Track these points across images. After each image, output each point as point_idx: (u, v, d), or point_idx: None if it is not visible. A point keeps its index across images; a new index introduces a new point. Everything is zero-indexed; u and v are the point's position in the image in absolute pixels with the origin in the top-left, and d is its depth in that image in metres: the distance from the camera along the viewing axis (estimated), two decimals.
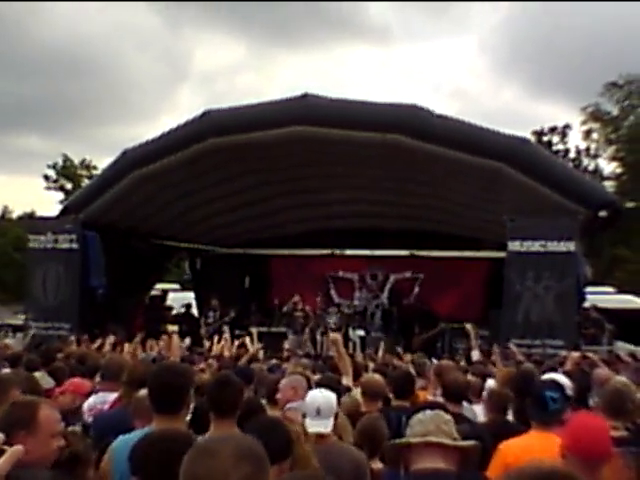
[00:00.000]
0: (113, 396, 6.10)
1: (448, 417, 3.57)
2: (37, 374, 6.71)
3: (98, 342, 12.48)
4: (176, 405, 4.23)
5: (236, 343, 12.19)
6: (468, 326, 12.92)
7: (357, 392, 6.68)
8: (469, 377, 7.88)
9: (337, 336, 8.61)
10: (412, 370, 8.31)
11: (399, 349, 12.90)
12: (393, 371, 8.31)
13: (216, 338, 13.63)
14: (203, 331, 20.29)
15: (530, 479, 1.96)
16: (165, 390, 4.24)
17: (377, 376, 7.12)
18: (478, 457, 3.65)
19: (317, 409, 4.76)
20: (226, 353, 11.31)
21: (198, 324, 21.69)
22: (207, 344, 13.21)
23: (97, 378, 7.09)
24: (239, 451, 1.96)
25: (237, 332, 18.50)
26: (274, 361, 10.81)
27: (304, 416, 4.87)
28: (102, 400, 6.19)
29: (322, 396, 4.91)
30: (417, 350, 15.04)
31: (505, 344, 12.79)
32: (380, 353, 12.66)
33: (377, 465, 4.90)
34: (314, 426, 4.69)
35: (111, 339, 11.95)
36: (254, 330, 13.34)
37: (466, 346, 13.90)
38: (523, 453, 4.37)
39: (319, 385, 5.90)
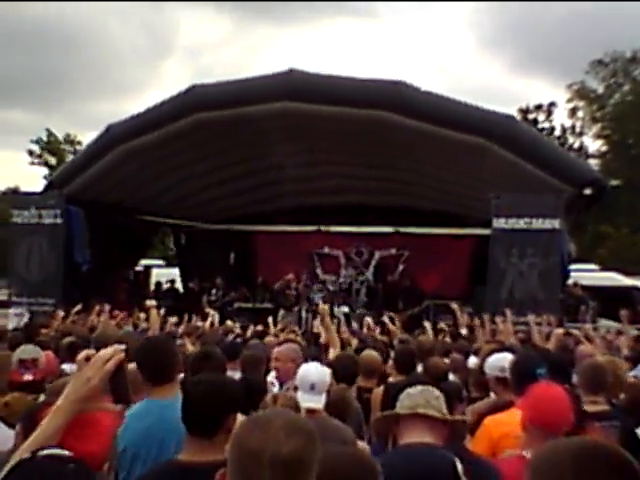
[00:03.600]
0: None
1: (438, 393, 3.58)
2: (21, 347, 6.70)
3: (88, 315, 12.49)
4: (169, 374, 4.29)
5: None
6: (454, 305, 12.93)
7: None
8: (454, 355, 7.93)
9: (325, 307, 8.64)
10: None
11: (386, 319, 12.85)
12: (398, 346, 8.31)
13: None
14: (206, 308, 20.28)
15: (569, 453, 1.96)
16: (156, 361, 4.28)
17: (374, 353, 7.13)
18: (466, 431, 3.67)
19: (311, 384, 4.77)
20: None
21: (185, 299, 21.69)
22: (196, 320, 13.19)
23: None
24: (290, 424, 2.03)
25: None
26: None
27: (296, 389, 4.88)
28: None
29: (316, 371, 4.91)
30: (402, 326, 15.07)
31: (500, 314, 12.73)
32: (365, 329, 12.67)
33: None
34: (307, 401, 4.69)
35: (105, 309, 11.96)
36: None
37: (451, 322, 13.90)
38: (509, 428, 4.38)
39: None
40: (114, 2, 79.96)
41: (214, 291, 21.85)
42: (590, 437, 2.27)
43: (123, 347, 2.61)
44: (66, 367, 6.94)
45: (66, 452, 2.27)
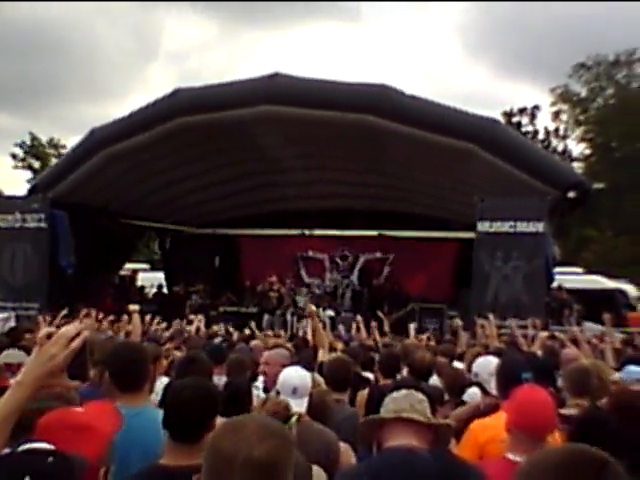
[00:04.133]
0: None
1: (422, 397, 3.58)
2: (6, 352, 6.66)
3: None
4: (137, 382, 4.27)
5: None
6: (458, 323, 12.65)
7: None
8: (439, 358, 7.93)
9: (313, 308, 8.63)
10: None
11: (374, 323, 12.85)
12: (383, 350, 8.32)
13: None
14: (187, 312, 20.29)
15: (556, 460, 1.97)
16: (124, 369, 4.28)
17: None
18: (451, 436, 3.67)
19: (294, 388, 4.75)
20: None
21: (175, 304, 21.65)
22: (180, 325, 13.16)
23: None
24: (263, 428, 2.03)
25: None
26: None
27: (278, 393, 4.86)
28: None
29: (298, 376, 4.89)
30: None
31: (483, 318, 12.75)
32: (354, 331, 12.67)
33: None
34: (293, 407, 4.68)
35: (92, 313, 11.95)
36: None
37: (436, 326, 13.94)
38: (495, 432, 4.39)
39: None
40: (100, 3, 79.70)
41: (194, 296, 21.88)
42: (577, 444, 2.30)
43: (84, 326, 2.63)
44: None
45: (45, 445, 2.28)
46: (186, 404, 3.34)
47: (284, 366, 5.90)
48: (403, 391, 3.60)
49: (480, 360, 5.90)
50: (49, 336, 2.51)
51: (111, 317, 12.23)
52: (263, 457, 1.95)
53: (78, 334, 2.54)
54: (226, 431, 2.04)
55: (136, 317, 8.96)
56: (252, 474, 1.94)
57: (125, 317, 12.00)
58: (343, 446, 4.81)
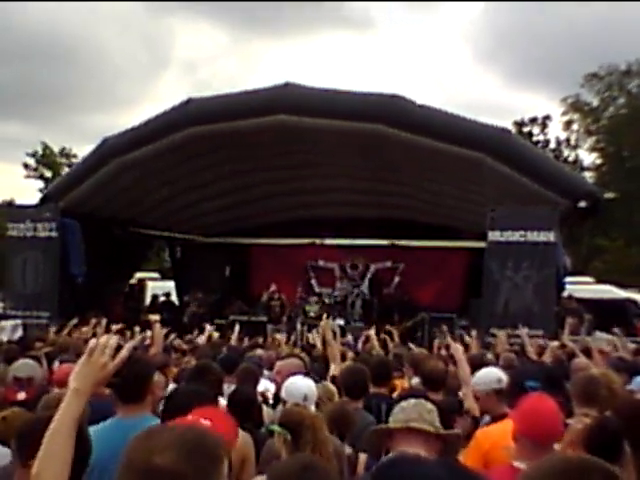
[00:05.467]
0: None
1: (431, 406, 3.59)
2: (22, 360, 6.70)
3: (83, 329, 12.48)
4: (139, 394, 4.28)
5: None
6: (473, 334, 12.57)
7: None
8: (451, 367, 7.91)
9: (327, 322, 8.64)
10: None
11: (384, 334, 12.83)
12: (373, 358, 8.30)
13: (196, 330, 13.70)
14: (185, 320, 20.36)
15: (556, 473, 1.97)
16: (125, 380, 4.29)
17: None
18: (459, 445, 3.67)
19: (304, 395, 4.77)
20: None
21: (179, 312, 21.73)
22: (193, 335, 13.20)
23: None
24: (178, 437, 1.88)
25: (217, 321, 18.60)
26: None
27: (284, 403, 4.87)
28: None
29: (305, 383, 4.92)
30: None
31: (490, 332, 12.77)
32: (361, 343, 12.65)
33: (346, 451, 4.88)
34: None
35: (102, 322, 11.97)
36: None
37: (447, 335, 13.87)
38: (498, 439, 4.40)
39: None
40: (112, 13, 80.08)
41: (192, 304, 22.00)
42: (578, 453, 2.30)
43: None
44: None
45: None
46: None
47: (295, 375, 5.93)
48: (412, 400, 3.61)
49: (480, 375, 5.90)
50: (94, 347, 2.71)
51: (119, 325, 12.22)
52: (165, 466, 1.80)
53: (121, 346, 2.77)
54: (139, 438, 1.92)
55: (157, 327, 8.96)
56: None
57: (139, 327, 12.06)
58: (362, 457, 4.83)
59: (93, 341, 2.76)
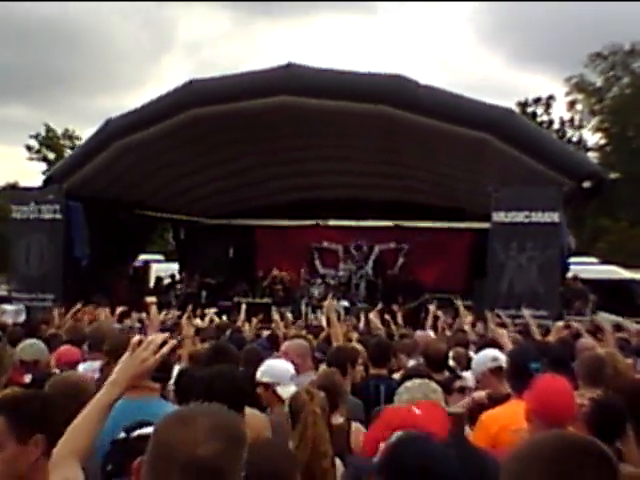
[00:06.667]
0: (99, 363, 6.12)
1: (436, 386, 3.59)
2: (28, 342, 6.71)
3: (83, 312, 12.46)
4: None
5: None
6: (458, 303, 12.69)
7: None
8: (456, 348, 7.91)
9: (330, 303, 8.64)
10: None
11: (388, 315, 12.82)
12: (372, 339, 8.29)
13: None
14: (173, 302, 20.36)
15: (549, 449, 1.92)
16: None
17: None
18: (464, 423, 3.67)
19: (291, 375, 4.83)
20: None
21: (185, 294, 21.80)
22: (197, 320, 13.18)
23: (84, 347, 7.14)
24: (215, 425, 1.88)
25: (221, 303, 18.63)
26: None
27: (278, 384, 4.89)
28: (92, 368, 6.18)
29: (287, 364, 4.99)
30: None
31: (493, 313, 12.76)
32: (373, 320, 12.66)
33: (337, 420, 4.84)
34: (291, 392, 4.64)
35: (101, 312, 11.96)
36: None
37: (451, 317, 13.84)
38: (507, 422, 4.39)
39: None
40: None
41: (179, 286, 22.15)
42: (568, 431, 2.28)
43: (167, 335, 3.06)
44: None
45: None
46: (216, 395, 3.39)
47: (301, 357, 5.93)
48: (417, 381, 3.60)
49: (478, 356, 5.91)
50: (140, 342, 2.85)
51: (122, 308, 12.18)
52: (208, 458, 1.82)
53: (165, 342, 2.88)
54: (174, 422, 1.91)
55: (154, 309, 8.98)
56: (192, 475, 1.81)
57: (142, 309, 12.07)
58: (355, 425, 4.81)
59: (136, 338, 2.91)
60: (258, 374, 4.99)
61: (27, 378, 5.78)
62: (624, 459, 3.31)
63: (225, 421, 1.94)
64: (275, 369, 4.99)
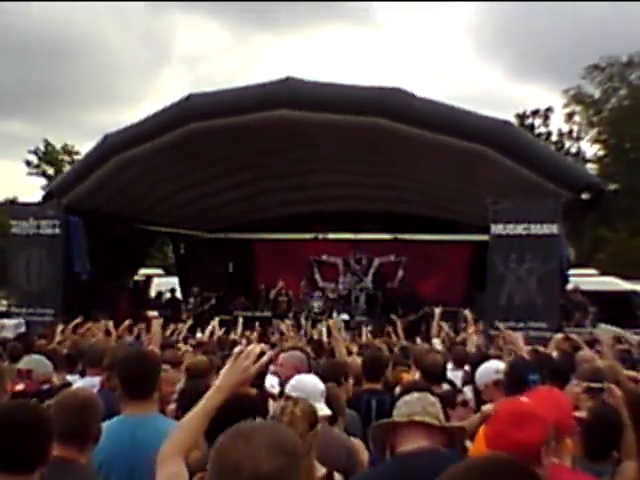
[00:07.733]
0: (99, 379, 6.14)
1: (434, 399, 3.59)
2: (35, 357, 6.73)
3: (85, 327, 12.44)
4: (146, 391, 4.29)
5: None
6: (466, 312, 12.67)
7: None
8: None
9: (335, 322, 8.69)
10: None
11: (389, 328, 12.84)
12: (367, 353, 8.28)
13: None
14: (184, 317, 20.33)
15: (479, 470, 1.95)
16: (133, 376, 4.30)
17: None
18: (464, 438, 3.67)
19: (322, 392, 4.65)
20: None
21: (180, 309, 21.79)
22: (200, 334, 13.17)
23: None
24: (273, 442, 1.93)
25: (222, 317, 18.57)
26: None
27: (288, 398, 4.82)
28: (91, 383, 6.19)
29: (318, 381, 4.83)
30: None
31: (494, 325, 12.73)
32: (364, 337, 12.66)
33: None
34: (323, 409, 4.55)
35: (103, 325, 11.95)
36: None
37: (452, 330, 13.82)
38: None
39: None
40: (113, 9, 79.97)
41: (191, 299, 22.04)
42: (496, 454, 2.28)
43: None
44: (69, 377, 6.98)
45: None
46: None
47: (296, 369, 5.89)
48: (415, 394, 3.60)
49: (480, 370, 5.91)
50: (241, 352, 3.12)
51: (127, 323, 12.17)
52: (272, 475, 1.86)
53: (263, 352, 3.20)
54: (235, 439, 1.95)
55: (155, 323, 8.96)
56: None
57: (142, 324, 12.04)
58: (357, 442, 4.79)
59: (238, 348, 3.22)
60: (287, 388, 4.91)
61: (19, 386, 5.82)
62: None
63: (282, 437, 2.00)
64: (305, 384, 4.87)
